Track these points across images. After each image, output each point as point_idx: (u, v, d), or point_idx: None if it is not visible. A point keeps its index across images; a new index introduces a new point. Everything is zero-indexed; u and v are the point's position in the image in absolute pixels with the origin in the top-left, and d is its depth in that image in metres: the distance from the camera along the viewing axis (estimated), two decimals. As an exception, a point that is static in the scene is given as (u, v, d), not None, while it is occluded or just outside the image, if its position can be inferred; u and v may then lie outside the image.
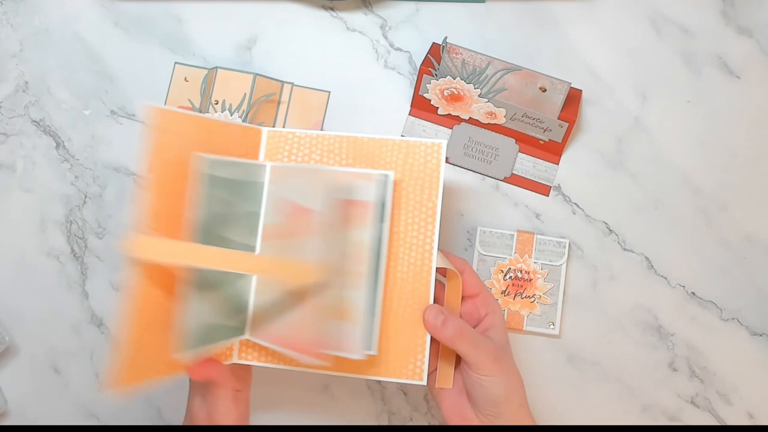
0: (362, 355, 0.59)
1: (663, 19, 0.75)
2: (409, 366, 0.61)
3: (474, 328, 0.63)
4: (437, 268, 0.62)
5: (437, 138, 0.75)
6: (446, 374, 0.63)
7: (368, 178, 0.61)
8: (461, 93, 0.72)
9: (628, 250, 0.75)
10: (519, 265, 0.73)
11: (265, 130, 0.65)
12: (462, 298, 0.64)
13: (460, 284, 0.62)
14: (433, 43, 0.74)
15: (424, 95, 0.73)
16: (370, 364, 0.61)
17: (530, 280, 0.73)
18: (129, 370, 0.53)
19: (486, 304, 0.63)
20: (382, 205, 0.61)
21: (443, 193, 0.63)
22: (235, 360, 0.63)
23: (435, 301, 0.62)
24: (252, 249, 0.62)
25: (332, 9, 0.75)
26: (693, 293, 0.75)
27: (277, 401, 0.74)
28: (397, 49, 0.76)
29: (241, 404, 0.63)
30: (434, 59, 0.71)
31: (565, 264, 0.73)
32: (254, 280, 0.62)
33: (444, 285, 0.65)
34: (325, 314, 0.59)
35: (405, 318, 0.62)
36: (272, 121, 0.75)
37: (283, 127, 0.75)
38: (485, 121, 0.74)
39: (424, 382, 0.61)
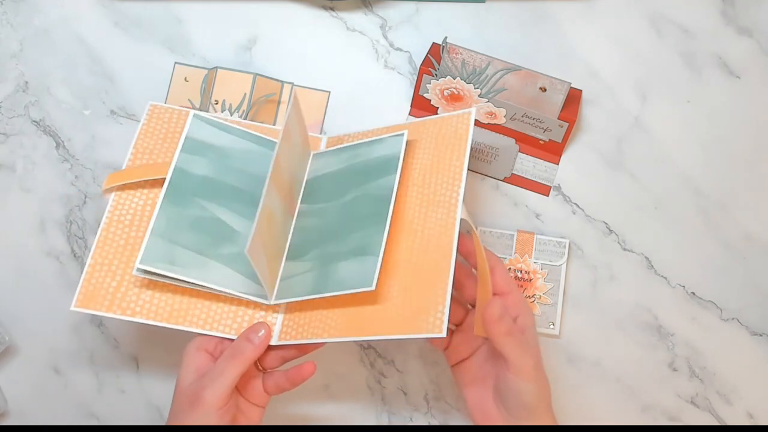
0: (369, 285, 0.60)
1: (663, 19, 0.75)
2: (429, 319, 0.59)
3: None
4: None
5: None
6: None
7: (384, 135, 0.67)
8: (461, 93, 0.72)
9: (628, 250, 0.75)
10: (519, 265, 0.73)
11: (324, 139, 0.72)
12: (492, 294, 0.62)
13: (480, 244, 0.62)
14: (433, 43, 0.74)
15: (424, 95, 0.73)
16: (389, 319, 0.61)
17: (530, 280, 0.73)
18: (89, 294, 0.62)
19: (517, 305, 0.61)
20: (397, 159, 0.65)
21: None
22: (276, 341, 0.63)
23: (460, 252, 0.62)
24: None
25: (332, 9, 0.75)
26: (693, 293, 0.75)
27: (277, 401, 0.74)
28: (397, 49, 0.76)
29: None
30: (434, 59, 0.71)
31: (565, 264, 0.73)
32: (289, 237, 0.67)
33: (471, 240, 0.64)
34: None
35: (428, 270, 0.61)
36: (272, 121, 0.75)
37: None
38: (485, 121, 0.74)
39: (444, 334, 0.58)
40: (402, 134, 0.67)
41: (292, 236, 0.67)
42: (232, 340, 0.62)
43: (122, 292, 0.63)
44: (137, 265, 0.61)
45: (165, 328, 0.62)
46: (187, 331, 0.62)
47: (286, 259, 0.65)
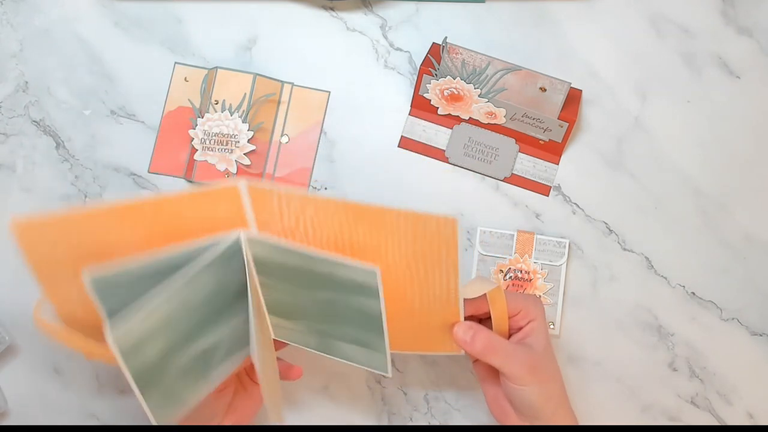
0: (385, 372, 0.61)
1: (663, 19, 0.75)
2: (446, 345, 0.62)
3: (514, 334, 0.63)
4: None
5: (437, 137, 0.75)
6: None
7: (353, 270, 0.54)
8: (461, 93, 0.72)
9: (628, 250, 0.75)
10: (519, 265, 0.73)
11: (243, 186, 0.55)
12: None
13: (504, 307, 0.62)
14: (433, 43, 0.74)
15: (424, 95, 0.73)
16: (404, 342, 0.63)
17: (530, 280, 0.73)
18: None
19: (527, 315, 0.62)
20: (376, 290, 0.54)
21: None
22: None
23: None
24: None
25: (332, 9, 0.75)
26: (693, 293, 0.75)
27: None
28: (397, 49, 0.76)
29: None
30: (434, 59, 0.71)
31: (565, 264, 0.73)
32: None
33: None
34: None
35: (438, 322, 0.61)
36: (272, 121, 0.75)
37: (283, 127, 0.75)
38: (485, 121, 0.74)
39: (463, 353, 0.62)
40: (374, 272, 0.53)
41: (264, 297, 0.61)
42: None
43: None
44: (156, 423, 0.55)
45: None
46: None
47: (269, 313, 0.62)
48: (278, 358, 0.68)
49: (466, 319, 0.61)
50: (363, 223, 0.55)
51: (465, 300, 0.60)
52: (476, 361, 0.66)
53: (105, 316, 0.51)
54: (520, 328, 0.63)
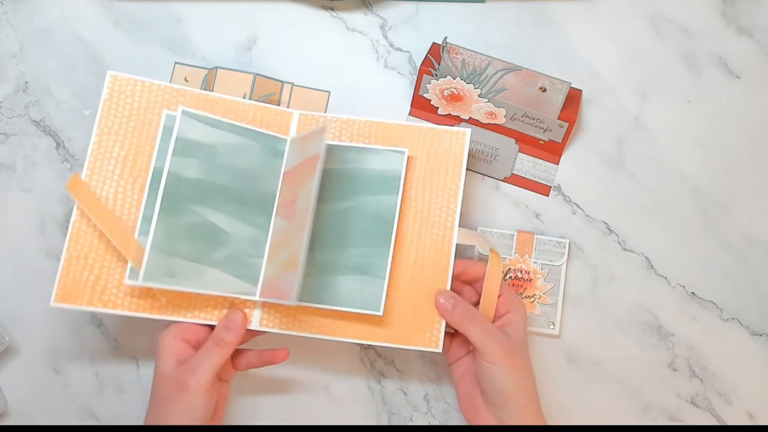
0: (377, 310, 0.63)
1: (663, 19, 0.75)
2: (426, 335, 0.64)
3: (493, 323, 0.65)
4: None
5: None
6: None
7: (383, 153, 0.66)
8: (461, 93, 0.72)
9: (628, 250, 0.75)
10: (519, 265, 0.73)
11: (296, 113, 0.68)
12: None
13: (498, 278, 0.65)
14: (433, 43, 0.74)
15: (424, 95, 0.73)
16: (387, 332, 0.64)
17: (530, 280, 0.73)
18: (67, 289, 0.62)
19: (508, 303, 0.65)
20: (398, 179, 0.65)
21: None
22: (256, 327, 0.65)
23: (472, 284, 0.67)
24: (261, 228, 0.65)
25: (332, 9, 0.75)
26: (693, 293, 0.75)
27: (277, 401, 0.74)
28: (397, 49, 0.76)
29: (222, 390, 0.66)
30: (434, 59, 0.71)
31: (565, 264, 0.73)
32: (268, 242, 0.65)
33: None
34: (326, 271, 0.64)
35: (425, 289, 0.64)
36: (272, 121, 0.75)
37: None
38: (485, 121, 0.74)
39: (440, 350, 0.64)
40: (403, 152, 0.66)
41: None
42: (214, 326, 0.64)
43: (101, 285, 0.63)
44: (141, 282, 0.60)
45: (149, 319, 0.63)
46: (171, 321, 0.64)
47: (285, 248, 0.64)
48: (261, 350, 0.67)
49: (453, 282, 0.65)
50: (390, 141, 0.67)
51: (461, 265, 0.65)
52: (452, 363, 0.67)
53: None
54: (501, 316, 0.65)
